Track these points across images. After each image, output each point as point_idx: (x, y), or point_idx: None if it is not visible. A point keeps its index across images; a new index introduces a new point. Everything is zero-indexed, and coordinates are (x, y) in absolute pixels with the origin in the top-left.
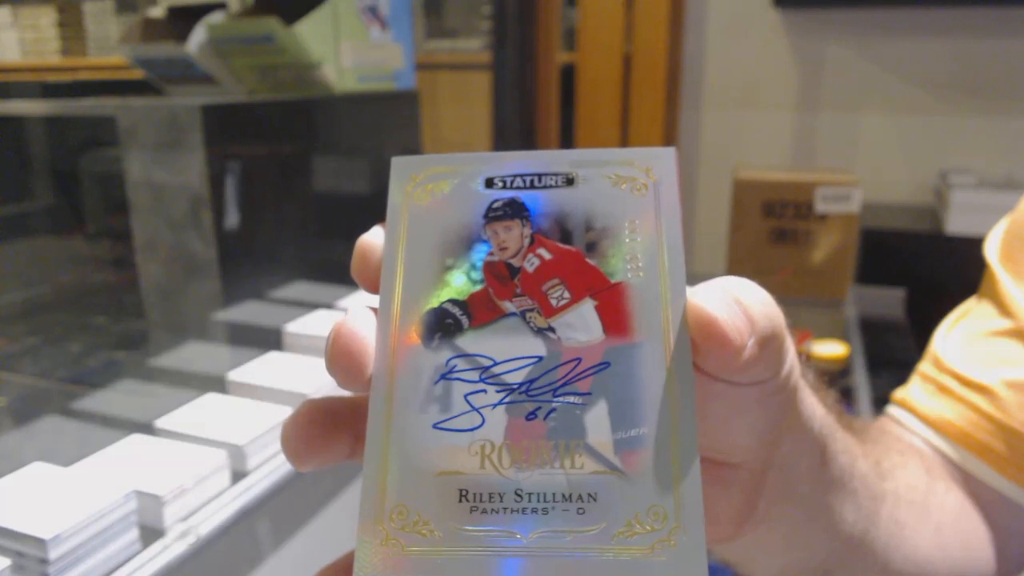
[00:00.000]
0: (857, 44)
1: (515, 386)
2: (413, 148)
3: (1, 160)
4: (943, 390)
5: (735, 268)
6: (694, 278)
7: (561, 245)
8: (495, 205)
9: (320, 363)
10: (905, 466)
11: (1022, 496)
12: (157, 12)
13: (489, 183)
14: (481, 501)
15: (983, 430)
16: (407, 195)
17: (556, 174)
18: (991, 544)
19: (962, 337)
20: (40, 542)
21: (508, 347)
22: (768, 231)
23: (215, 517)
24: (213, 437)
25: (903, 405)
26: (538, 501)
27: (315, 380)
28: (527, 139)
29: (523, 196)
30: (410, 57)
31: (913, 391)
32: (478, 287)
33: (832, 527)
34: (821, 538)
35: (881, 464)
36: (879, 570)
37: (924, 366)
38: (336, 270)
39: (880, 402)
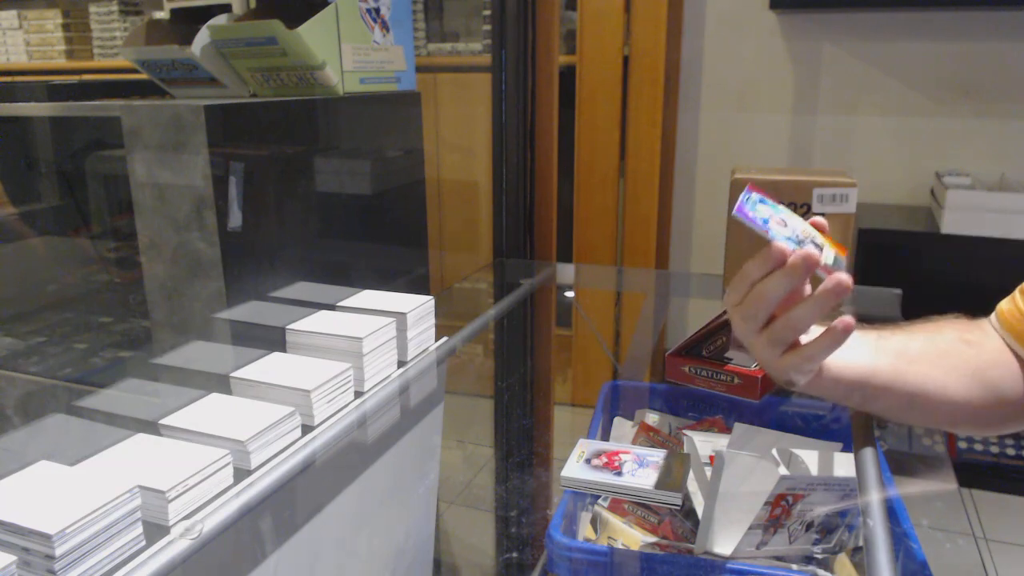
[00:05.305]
0: (853, 46)
1: None
2: (415, 149)
3: (7, 161)
4: (1013, 297)
5: (733, 268)
6: (692, 277)
7: None
8: None
9: (322, 363)
10: (940, 331)
11: None
12: (161, 15)
13: None
14: None
15: (1014, 315)
16: None
17: None
18: (1013, 386)
19: None
20: (46, 537)
21: None
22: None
23: (218, 514)
24: (217, 435)
25: (996, 309)
26: None
27: (318, 380)
28: (527, 140)
29: None
30: (411, 59)
31: (1003, 300)
32: None
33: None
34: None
35: (914, 335)
36: (907, 395)
37: (1020, 286)
38: (339, 270)
39: None
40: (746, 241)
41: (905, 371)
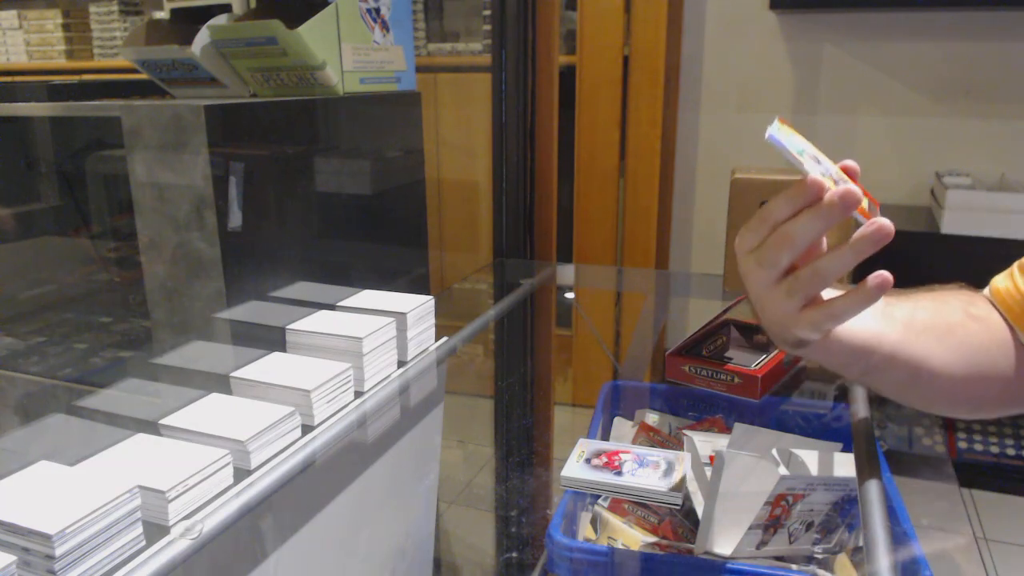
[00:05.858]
0: (853, 46)
1: None
2: (415, 149)
3: (7, 161)
4: (1011, 273)
5: (733, 267)
6: (692, 277)
7: None
8: None
9: (322, 363)
10: (946, 302)
11: None
12: (161, 15)
13: None
14: None
15: (1012, 296)
16: None
17: None
18: (1011, 366)
19: None
20: (46, 537)
21: None
22: None
23: (218, 514)
24: (217, 435)
25: (991, 284)
26: None
27: (318, 380)
28: (527, 140)
29: None
30: (411, 59)
31: (999, 275)
32: None
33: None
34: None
35: (920, 305)
36: (911, 368)
37: (1017, 262)
38: (339, 270)
39: (876, 401)
40: None
41: (912, 343)
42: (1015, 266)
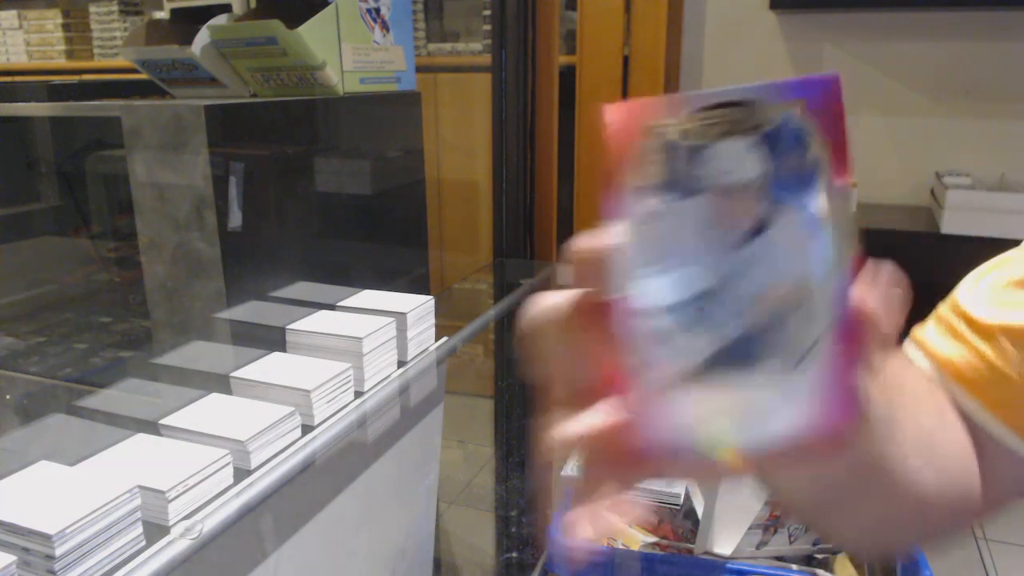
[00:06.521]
0: (853, 46)
1: None
2: (415, 149)
3: (7, 161)
4: (953, 332)
5: None
6: None
7: None
8: None
9: (322, 363)
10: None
11: (1008, 436)
12: (161, 15)
13: None
14: None
15: (977, 372)
16: None
17: None
18: (978, 476)
19: (988, 286)
20: (46, 537)
21: None
22: None
23: (218, 514)
24: (217, 435)
25: (919, 344)
26: None
27: (318, 379)
28: (527, 140)
29: None
30: (411, 59)
31: (928, 331)
32: None
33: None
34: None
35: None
36: (884, 488)
37: (943, 308)
38: (339, 270)
39: None
40: None
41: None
42: (956, 322)
